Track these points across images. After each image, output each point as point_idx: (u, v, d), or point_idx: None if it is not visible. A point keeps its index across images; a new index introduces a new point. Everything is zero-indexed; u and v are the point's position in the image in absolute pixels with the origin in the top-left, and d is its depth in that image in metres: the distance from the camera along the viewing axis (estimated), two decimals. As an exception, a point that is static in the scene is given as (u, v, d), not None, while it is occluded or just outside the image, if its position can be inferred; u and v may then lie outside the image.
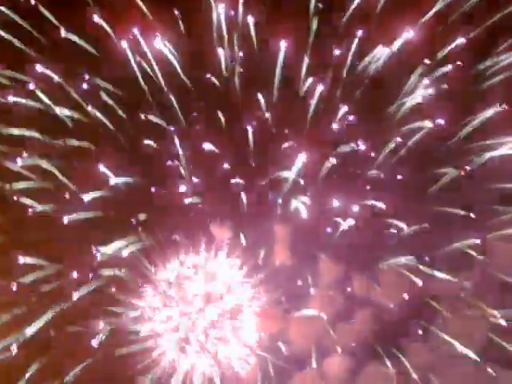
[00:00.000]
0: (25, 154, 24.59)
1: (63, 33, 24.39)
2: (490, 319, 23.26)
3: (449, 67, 23.71)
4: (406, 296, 24.28)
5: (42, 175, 25.09)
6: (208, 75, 25.68)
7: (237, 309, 26.17)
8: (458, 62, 23.56)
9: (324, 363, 25.14)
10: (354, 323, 24.91)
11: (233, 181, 25.56)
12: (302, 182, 25.24)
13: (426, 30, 24.05)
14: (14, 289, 25.12)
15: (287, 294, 25.79)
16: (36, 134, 24.73)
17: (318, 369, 25.13)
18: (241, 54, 25.19)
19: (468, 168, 23.36)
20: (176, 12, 24.67)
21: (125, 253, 25.52)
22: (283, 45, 24.46)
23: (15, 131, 24.41)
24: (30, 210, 24.97)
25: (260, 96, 25.18)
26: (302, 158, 24.68)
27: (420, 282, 23.94)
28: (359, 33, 24.41)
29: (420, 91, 23.96)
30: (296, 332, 25.39)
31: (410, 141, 24.31)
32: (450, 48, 23.83)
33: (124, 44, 24.61)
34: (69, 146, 25.18)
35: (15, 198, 24.88)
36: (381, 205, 24.39)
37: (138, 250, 25.86)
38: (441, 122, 23.57)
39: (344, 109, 24.63)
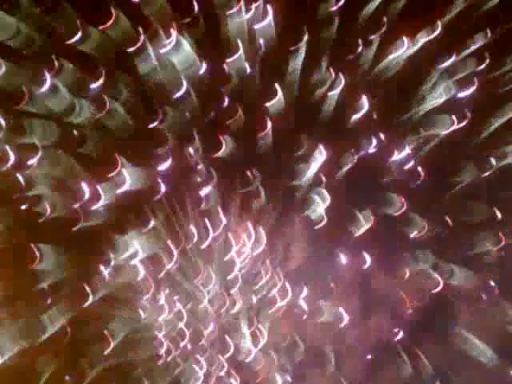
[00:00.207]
0: (37, 159, 23.67)
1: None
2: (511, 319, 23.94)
3: (469, 69, 23.90)
4: (425, 295, 24.68)
5: (55, 180, 24.19)
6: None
7: (253, 308, 26.08)
8: (480, 64, 23.72)
9: (342, 362, 25.39)
10: (372, 322, 25.18)
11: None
12: (318, 183, 25.22)
13: (445, 31, 24.10)
14: (26, 295, 24.45)
15: (305, 293, 25.84)
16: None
17: (336, 368, 25.37)
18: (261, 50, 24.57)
19: (489, 170, 23.73)
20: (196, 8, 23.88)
21: (137, 258, 25.09)
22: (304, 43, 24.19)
23: (28, 137, 23.39)
24: (43, 215, 24.12)
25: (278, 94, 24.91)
26: (318, 161, 24.70)
27: (440, 282, 24.42)
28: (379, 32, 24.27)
29: (439, 93, 24.13)
30: (314, 331, 25.51)
31: (428, 143, 24.53)
32: (470, 50, 23.98)
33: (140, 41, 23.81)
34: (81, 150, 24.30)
35: (28, 204, 24.00)
36: (400, 205, 24.66)
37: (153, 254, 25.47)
38: (461, 124, 23.88)
39: (364, 107, 24.57)
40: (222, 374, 25.84)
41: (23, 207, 23.57)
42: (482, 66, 23.90)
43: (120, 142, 24.20)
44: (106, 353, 25.01)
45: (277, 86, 24.55)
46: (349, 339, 25.12)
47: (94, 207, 24.17)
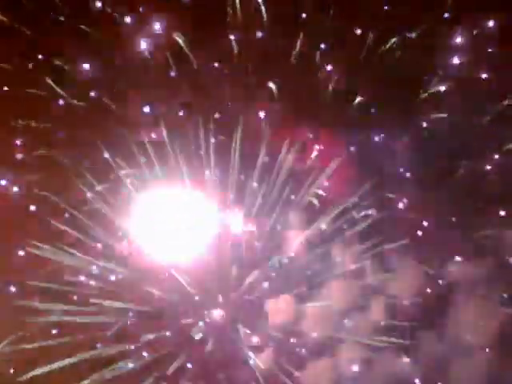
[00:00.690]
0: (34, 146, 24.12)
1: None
2: (506, 310, 23.38)
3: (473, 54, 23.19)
4: (420, 286, 24.30)
5: (52, 167, 24.57)
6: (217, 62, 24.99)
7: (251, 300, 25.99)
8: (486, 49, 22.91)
9: (337, 353, 25.20)
10: (368, 313, 24.92)
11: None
12: (315, 173, 24.99)
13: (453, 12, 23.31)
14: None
15: (301, 283, 25.70)
16: (42, 124, 24.11)
17: (332, 358, 25.19)
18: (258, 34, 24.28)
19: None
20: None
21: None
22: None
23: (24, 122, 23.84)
24: (41, 201, 24.55)
25: (272, 84, 24.67)
26: (315, 149, 24.52)
27: (434, 272, 24.03)
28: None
29: (440, 80, 23.51)
30: (309, 321, 25.37)
31: (428, 131, 24.01)
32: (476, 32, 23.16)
33: (128, 27, 23.98)
34: (75, 136, 24.59)
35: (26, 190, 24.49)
36: (396, 196, 24.30)
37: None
38: (460, 112, 23.28)
39: (359, 98, 24.20)
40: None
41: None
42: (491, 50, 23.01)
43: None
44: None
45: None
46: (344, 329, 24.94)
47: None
